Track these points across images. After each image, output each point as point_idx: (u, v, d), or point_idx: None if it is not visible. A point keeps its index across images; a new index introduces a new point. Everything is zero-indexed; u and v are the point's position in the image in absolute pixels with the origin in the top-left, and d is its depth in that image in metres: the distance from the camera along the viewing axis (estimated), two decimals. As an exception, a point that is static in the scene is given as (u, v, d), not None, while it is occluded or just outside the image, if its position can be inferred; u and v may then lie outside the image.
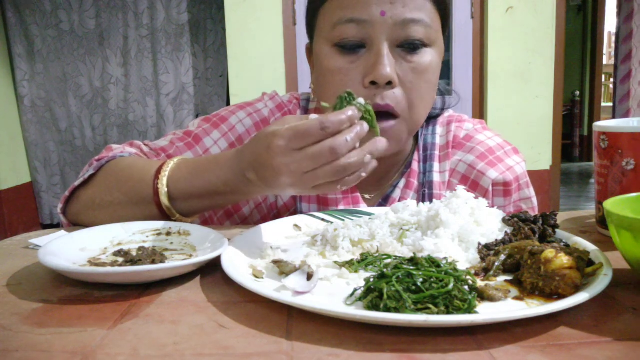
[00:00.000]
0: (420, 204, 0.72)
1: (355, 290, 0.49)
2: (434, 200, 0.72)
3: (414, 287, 0.46)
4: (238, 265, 0.57)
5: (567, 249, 0.53)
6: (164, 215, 0.74)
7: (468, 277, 0.49)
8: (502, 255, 0.57)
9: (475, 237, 0.62)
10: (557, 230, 0.64)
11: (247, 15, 3.04)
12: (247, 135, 0.91)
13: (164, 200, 0.72)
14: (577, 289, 0.48)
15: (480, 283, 0.51)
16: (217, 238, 0.64)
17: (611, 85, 5.19)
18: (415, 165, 0.92)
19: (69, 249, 0.62)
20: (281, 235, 0.72)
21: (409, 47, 0.78)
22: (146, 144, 0.92)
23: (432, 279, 0.47)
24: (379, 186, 0.94)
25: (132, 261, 0.60)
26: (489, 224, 0.65)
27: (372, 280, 0.48)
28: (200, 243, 0.66)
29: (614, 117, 4.85)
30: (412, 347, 0.41)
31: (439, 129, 0.95)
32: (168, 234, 0.70)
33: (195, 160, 0.75)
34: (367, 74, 0.77)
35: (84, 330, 0.45)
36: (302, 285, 0.51)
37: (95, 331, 0.45)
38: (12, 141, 3.70)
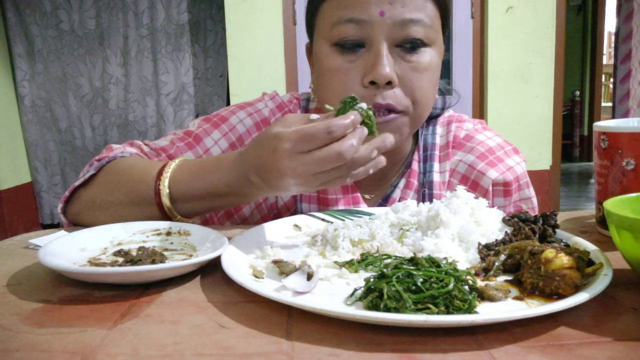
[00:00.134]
0: (420, 204, 0.73)
1: (355, 290, 0.49)
2: (434, 200, 0.72)
3: (414, 287, 0.46)
4: (238, 265, 0.57)
5: (567, 249, 0.53)
6: (165, 216, 0.74)
7: (468, 277, 0.49)
8: (502, 255, 0.57)
9: (475, 237, 0.62)
10: (557, 230, 0.64)
11: (247, 15, 3.04)
12: (247, 135, 0.91)
13: (166, 201, 0.72)
14: (577, 289, 0.48)
15: (480, 283, 0.51)
16: (217, 238, 0.64)
17: (611, 85, 5.19)
18: (415, 165, 0.92)
19: (69, 249, 0.62)
20: (281, 235, 0.72)
21: (408, 47, 0.77)
22: (146, 143, 0.92)
23: (432, 279, 0.47)
24: (379, 186, 0.94)
25: (132, 261, 0.60)
26: (489, 224, 0.65)
27: (372, 280, 0.48)
28: (200, 243, 0.66)
29: (613, 117, 4.85)
30: (412, 347, 0.41)
31: (439, 129, 0.95)
32: (168, 234, 0.70)
33: (196, 162, 0.75)
34: (366, 74, 0.77)
35: (84, 330, 0.45)
36: (302, 285, 0.51)
37: (95, 331, 0.45)
38: (12, 141, 3.70)
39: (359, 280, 0.54)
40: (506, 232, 0.63)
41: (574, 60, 6.82)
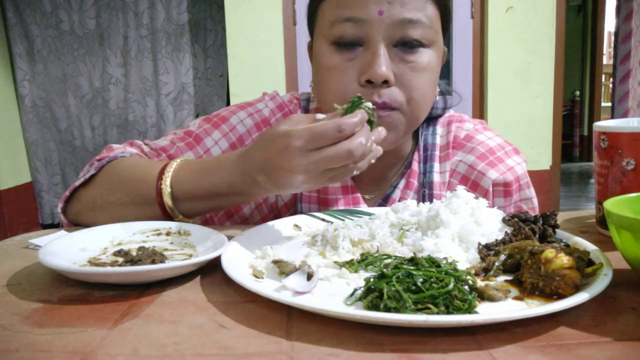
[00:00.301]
0: (420, 204, 0.72)
1: (355, 290, 0.49)
2: (434, 200, 0.72)
3: (414, 287, 0.46)
4: (238, 265, 0.57)
5: (567, 249, 0.53)
6: (167, 216, 0.74)
7: (468, 277, 0.49)
8: (502, 255, 0.57)
9: (475, 237, 0.62)
10: (557, 230, 0.64)
11: (247, 15, 3.04)
12: (247, 136, 0.91)
13: (167, 201, 0.73)
14: (577, 289, 0.48)
15: (480, 283, 0.51)
16: (217, 238, 0.64)
17: (611, 85, 5.19)
18: (415, 166, 0.92)
19: (69, 249, 0.62)
20: (281, 235, 0.72)
21: (406, 46, 0.77)
22: (146, 143, 0.92)
23: (432, 279, 0.47)
24: (379, 186, 0.94)
25: (132, 261, 0.60)
26: (489, 224, 0.65)
27: (372, 280, 0.48)
28: (200, 243, 0.66)
29: (612, 117, 4.85)
30: (412, 347, 0.41)
31: (439, 129, 0.95)
32: (168, 234, 0.70)
33: (198, 162, 0.75)
34: (363, 72, 0.77)
35: (84, 330, 0.45)
36: (302, 285, 0.51)
37: (95, 331, 0.45)
38: (13, 141, 3.70)
39: (359, 280, 0.54)
40: (506, 232, 0.63)
41: (574, 60, 6.82)
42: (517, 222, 0.64)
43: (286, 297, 0.47)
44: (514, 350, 0.41)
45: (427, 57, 0.79)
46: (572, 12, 6.79)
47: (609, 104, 5.18)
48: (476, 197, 0.68)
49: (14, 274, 0.60)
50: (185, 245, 0.67)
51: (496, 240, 0.62)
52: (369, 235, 0.67)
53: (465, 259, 0.60)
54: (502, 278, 0.55)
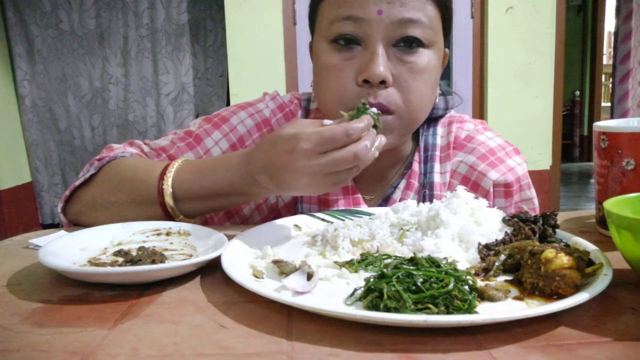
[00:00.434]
0: (421, 203, 0.72)
1: (355, 290, 0.49)
2: (434, 200, 0.72)
3: (414, 287, 0.46)
4: (238, 265, 0.57)
5: (567, 249, 0.53)
6: (168, 216, 0.74)
7: (468, 277, 0.49)
8: (502, 255, 0.57)
9: (475, 237, 0.62)
10: (557, 230, 0.64)
11: (247, 15, 3.04)
12: (248, 136, 0.91)
13: (169, 200, 0.73)
14: (577, 289, 0.48)
15: (480, 283, 0.51)
16: (217, 238, 0.64)
17: (611, 85, 5.19)
18: (415, 166, 0.92)
19: (69, 249, 0.62)
20: (281, 235, 0.72)
21: (405, 46, 0.77)
22: (146, 143, 0.92)
23: (432, 279, 0.47)
24: (379, 187, 0.94)
25: (132, 261, 0.60)
26: (489, 224, 0.65)
27: (372, 280, 0.48)
28: (200, 243, 0.66)
29: (612, 117, 4.85)
30: (412, 347, 0.41)
31: (440, 130, 0.94)
32: (168, 234, 0.70)
33: (199, 162, 0.76)
34: (360, 72, 0.76)
35: (84, 330, 0.45)
36: (302, 285, 0.51)
37: (95, 331, 0.45)
38: (13, 141, 3.70)
39: (359, 280, 0.54)
40: (506, 232, 0.63)
41: (574, 60, 6.82)
42: (517, 222, 0.64)
43: (286, 297, 0.47)
44: (514, 350, 0.41)
45: (427, 58, 0.78)
46: (572, 12, 6.79)
47: (609, 104, 5.18)
48: (476, 197, 0.68)
49: (14, 274, 0.60)
50: (185, 245, 0.67)
51: (496, 240, 0.62)
52: (369, 235, 0.67)
53: (465, 259, 0.60)
54: (502, 278, 0.55)
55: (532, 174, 0.93)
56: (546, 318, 0.45)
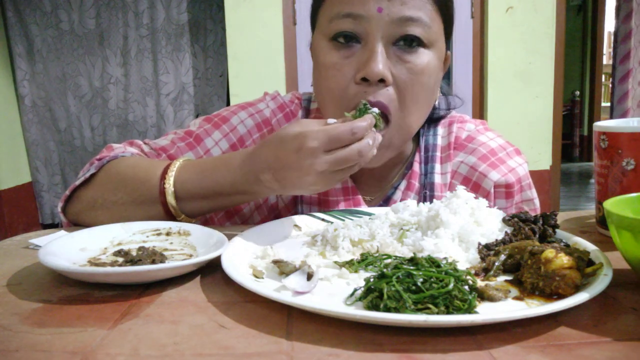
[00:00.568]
0: (420, 203, 0.72)
1: (355, 290, 0.49)
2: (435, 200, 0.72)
3: (414, 287, 0.46)
4: (238, 265, 0.57)
5: (567, 249, 0.53)
6: (169, 216, 0.74)
7: (468, 277, 0.49)
8: (502, 255, 0.57)
9: (475, 237, 0.62)
10: (557, 230, 0.64)
11: (247, 15, 3.04)
12: (248, 136, 0.91)
13: (171, 200, 0.73)
14: (577, 289, 0.48)
15: (480, 283, 0.51)
16: (217, 238, 0.64)
17: (610, 85, 5.20)
18: (416, 167, 0.92)
19: (69, 249, 0.62)
20: (281, 235, 0.72)
21: (405, 45, 0.76)
22: (146, 142, 0.92)
23: (432, 279, 0.47)
24: (380, 188, 0.93)
25: (132, 261, 0.60)
26: (489, 224, 0.65)
27: (372, 280, 0.48)
28: (200, 243, 0.66)
29: (611, 117, 4.85)
30: (412, 347, 0.41)
31: (440, 130, 0.94)
32: (168, 234, 0.70)
33: (201, 162, 0.76)
34: (359, 70, 0.76)
35: (84, 330, 0.45)
36: (302, 285, 0.51)
37: (95, 331, 0.45)
38: (13, 141, 3.70)
39: (359, 280, 0.54)
40: (506, 232, 0.63)
41: (574, 60, 6.82)
42: (517, 222, 0.64)
43: (286, 297, 0.47)
44: (514, 350, 0.41)
45: (427, 59, 0.77)
46: (572, 12, 6.79)
47: (609, 104, 5.18)
48: (476, 197, 0.68)
49: (14, 274, 0.60)
50: (185, 245, 0.67)
51: (496, 240, 0.62)
52: (369, 235, 0.67)
53: (465, 259, 0.60)
54: (502, 278, 0.55)
55: (532, 174, 0.93)
56: (546, 318, 0.45)
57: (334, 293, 0.52)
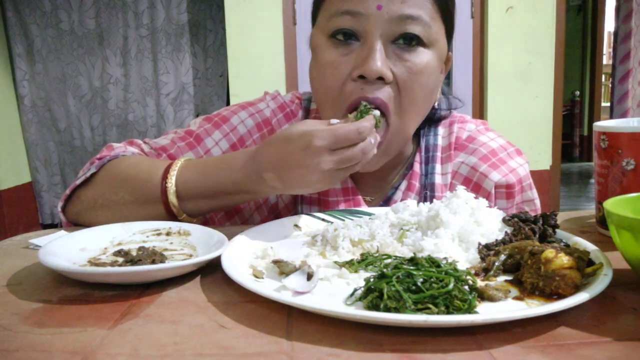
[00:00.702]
0: (420, 203, 0.72)
1: (355, 290, 0.49)
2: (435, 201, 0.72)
3: (414, 287, 0.46)
4: (238, 265, 0.57)
5: (567, 249, 0.53)
6: (171, 215, 0.74)
7: (468, 277, 0.49)
8: (502, 255, 0.57)
9: (475, 237, 0.62)
10: (557, 230, 0.64)
11: (247, 15, 3.04)
12: (248, 136, 0.91)
13: (173, 199, 0.73)
14: (577, 289, 0.48)
15: (480, 283, 0.51)
16: (217, 238, 0.64)
17: (610, 85, 5.20)
18: (416, 167, 0.91)
19: (69, 249, 0.62)
20: (281, 235, 0.72)
21: (404, 43, 0.76)
22: (146, 142, 0.92)
23: (432, 279, 0.47)
24: (380, 188, 0.93)
25: (132, 261, 0.60)
26: (489, 224, 0.65)
27: (372, 280, 0.48)
28: (200, 243, 0.66)
29: (611, 117, 4.85)
30: (412, 347, 0.41)
31: (441, 130, 0.94)
32: (168, 234, 0.70)
33: (203, 161, 0.76)
34: (356, 67, 0.76)
35: (84, 330, 0.45)
36: (302, 285, 0.51)
37: (95, 331, 0.45)
38: (12, 141, 3.70)
39: (359, 280, 0.54)
40: (506, 232, 0.63)
41: (574, 60, 6.82)
42: (517, 222, 0.64)
43: (286, 297, 0.47)
44: (514, 350, 0.41)
45: (426, 58, 0.77)
46: (572, 12, 6.79)
47: (609, 104, 5.18)
48: (476, 197, 0.68)
49: (14, 274, 0.60)
50: (185, 245, 0.67)
51: (496, 240, 0.62)
52: (369, 235, 0.67)
53: (465, 259, 0.60)
54: (502, 278, 0.55)
55: (532, 174, 0.93)
56: (546, 318, 0.45)
57: (334, 293, 0.52)
